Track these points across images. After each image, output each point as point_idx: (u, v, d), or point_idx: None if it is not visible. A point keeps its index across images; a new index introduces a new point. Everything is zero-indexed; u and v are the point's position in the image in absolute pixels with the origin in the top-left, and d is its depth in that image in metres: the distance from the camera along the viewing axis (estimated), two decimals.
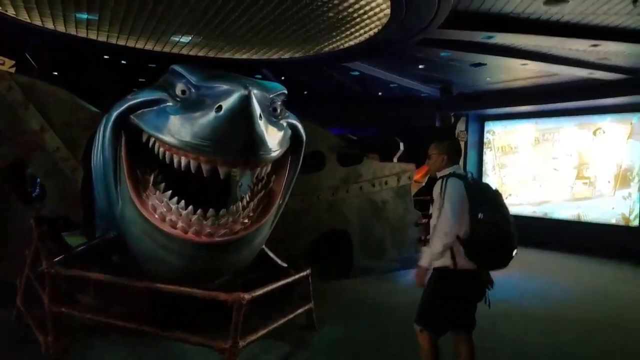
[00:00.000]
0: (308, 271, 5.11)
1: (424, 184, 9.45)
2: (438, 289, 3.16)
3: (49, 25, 6.46)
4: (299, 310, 4.72)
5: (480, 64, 8.15)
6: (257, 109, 3.30)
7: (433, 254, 3.05)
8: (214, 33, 6.54)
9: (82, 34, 6.73)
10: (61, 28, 6.61)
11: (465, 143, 12.38)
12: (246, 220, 3.92)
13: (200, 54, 7.62)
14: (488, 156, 12.49)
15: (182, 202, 3.72)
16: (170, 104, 3.72)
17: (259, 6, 5.47)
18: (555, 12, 5.59)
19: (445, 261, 3.08)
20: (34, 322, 4.07)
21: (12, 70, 7.07)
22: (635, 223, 9.76)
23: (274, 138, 3.76)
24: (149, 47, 7.36)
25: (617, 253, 9.52)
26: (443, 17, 5.44)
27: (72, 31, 6.67)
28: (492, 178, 12.28)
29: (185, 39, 6.80)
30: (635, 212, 9.75)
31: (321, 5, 5.46)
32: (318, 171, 7.38)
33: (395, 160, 9.31)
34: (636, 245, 9.36)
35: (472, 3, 5.41)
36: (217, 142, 3.37)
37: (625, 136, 10.07)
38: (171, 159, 3.66)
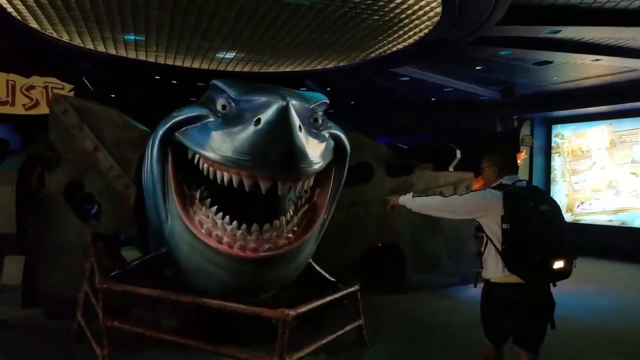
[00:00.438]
0: (357, 286, 4.84)
1: None
2: (484, 298, 3.15)
3: (100, 48, 6.56)
4: (349, 327, 4.53)
5: (545, 62, 7.44)
6: (297, 121, 3.20)
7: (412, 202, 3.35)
8: (257, 47, 6.36)
9: (132, 55, 6.79)
10: (112, 51, 6.69)
11: (531, 148, 11.51)
12: (290, 235, 3.84)
13: (246, 69, 7.48)
14: (557, 162, 11.53)
15: (227, 218, 3.70)
16: (212, 119, 3.74)
17: (299, 15, 5.19)
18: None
19: (488, 272, 3.07)
20: (92, 335, 4.22)
21: (71, 94, 7.31)
22: None
23: (315, 150, 3.64)
24: (196, 65, 7.31)
25: None
26: (502, 12, 4.90)
27: (123, 53, 6.75)
28: (561, 185, 11.33)
29: (230, 54, 6.67)
30: None
31: (365, 8, 5.10)
32: (366, 183, 7.00)
33: (451, 169, 8.71)
34: None
35: None
36: (256, 156, 3.31)
37: None
38: (215, 175, 3.65)
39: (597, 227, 10.48)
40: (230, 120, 3.54)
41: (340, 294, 4.60)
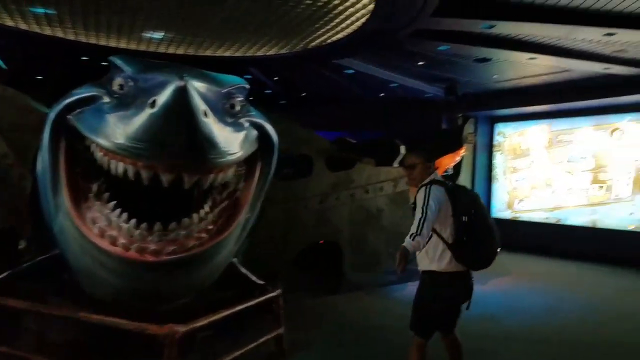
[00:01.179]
0: (278, 291, 4.55)
1: None
2: (427, 291, 3.27)
3: (9, 22, 6.00)
4: (266, 337, 4.21)
5: (484, 59, 7.49)
6: (199, 104, 2.85)
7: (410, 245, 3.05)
8: (184, 26, 6.01)
9: (48, 32, 6.26)
10: (23, 25, 6.14)
11: (474, 146, 11.68)
12: (203, 235, 3.42)
13: (179, 51, 7.11)
14: (498, 159, 11.77)
15: (125, 215, 3.22)
16: (107, 100, 3.32)
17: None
18: None
19: (433, 264, 3.19)
20: None
21: None
22: None
23: (229, 139, 3.30)
24: (123, 45, 6.88)
25: (635, 261, 8.82)
26: (434, 3, 4.81)
27: (37, 29, 6.21)
28: (502, 183, 11.58)
29: (158, 35, 6.30)
30: None
31: None
32: (304, 177, 6.81)
33: (396, 164, 8.66)
34: None
35: None
36: (154, 143, 2.92)
37: None
38: (109, 165, 3.20)
39: (535, 225, 10.77)
40: (127, 102, 3.14)
41: (255, 301, 4.25)
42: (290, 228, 6.57)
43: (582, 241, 9.86)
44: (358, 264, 7.22)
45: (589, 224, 10.00)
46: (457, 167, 10.71)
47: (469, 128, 11.51)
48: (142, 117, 2.88)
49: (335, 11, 5.35)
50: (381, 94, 10.77)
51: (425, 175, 3.28)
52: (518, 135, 11.36)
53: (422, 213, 3.06)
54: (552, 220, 10.61)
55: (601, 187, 9.84)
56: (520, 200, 11.19)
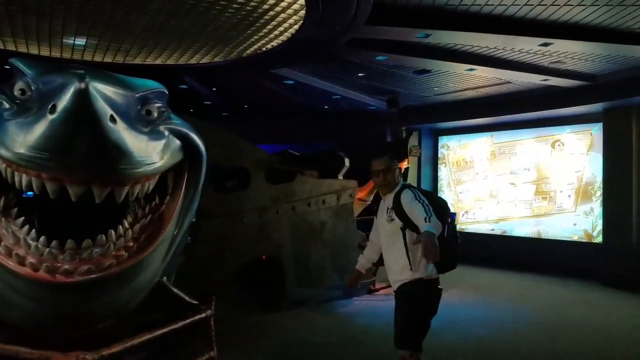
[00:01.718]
0: (209, 312, 4.21)
1: (369, 201, 8.63)
2: (426, 300, 3.17)
3: None
4: None
5: (424, 71, 7.45)
6: (103, 107, 2.60)
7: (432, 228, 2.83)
8: (108, 32, 5.62)
9: None
10: None
11: (419, 158, 11.70)
12: (122, 253, 3.15)
13: (107, 59, 6.67)
14: (443, 172, 11.85)
15: (33, 232, 2.95)
16: (8, 107, 2.98)
17: (159, 2, 4.58)
18: (497, 4, 4.88)
19: (418, 272, 3.11)
20: None
21: None
22: (598, 239, 9.15)
23: (145, 148, 3.02)
24: (45, 52, 6.37)
25: (580, 272, 8.98)
26: (367, 10, 4.65)
27: None
28: (447, 194, 11.62)
29: (80, 41, 5.86)
30: (598, 228, 9.13)
31: (228, 1, 4.62)
32: (242, 190, 6.49)
33: (340, 177, 8.48)
34: (599, 263, 8.73)
35: None
36: (56, 153, 2.65)
37: (585, 148, 9.53)
38: (13, 178, 2.90)
39: (481, 236, 10.84)
40: (29, 107, 2.82)
41: (181, 323, 3.97)
42: (228, 243, 6.21)
43: (527, 252, 9.97)
44: (301, 280, 6.94)
45: (534, 235, 10.14)
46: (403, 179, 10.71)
47: (412, 141, 11.56)
48: (42, 124, 2.61)
49: (266, 17, 5.08)
50: (325, 106, 10.62)
51: (398, 178, 3.31)
52: (461, 147, 11.47)
53: (421, 202, 2.98)
54: (498, 232, 10.71)
55: (544, 198, 10.02)
56: (466, 212, 11.27)
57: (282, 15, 5.10)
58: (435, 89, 8.81)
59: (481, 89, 8.88)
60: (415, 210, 2.95)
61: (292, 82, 7.96)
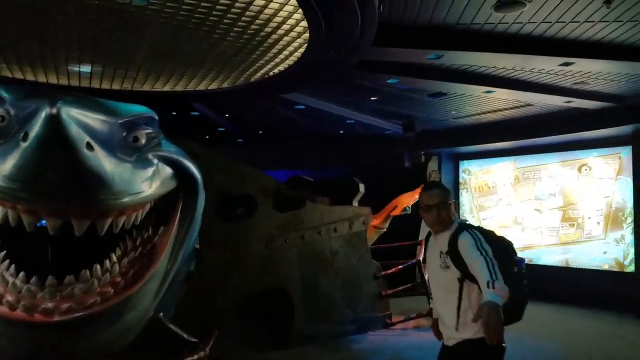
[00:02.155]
0: (201, 354, 3.95)
1: (384, 229, 8.28)
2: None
3: None
4: None
5: (440, 94, 7.16)
6: (78, 134, 2.46)
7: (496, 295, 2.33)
8: (112, 59, 5.56)
9: None
10: None
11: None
12: (108, 289, 2.97)
13: (115, 86, 6.63)
14: (465, 198, 11.40)
15: (12, 267, 2.81)
16: None
17: (145, 20, 4.47)
18: (512, 21, 4.61)
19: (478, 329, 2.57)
20: None
21: None
22: (630, 269, 8.55)
23: (130, 177, 2.89)
24: (52, 80, 6.36)
25: (611, 303, 8.37)
26: (372, 30, 4.42)
27: None
28: (470, 221, 11.10)
29: (86, 68, 5.82)
30: (630, 256, 8.54)
31: (225, 19, 4.47)
32: (248, 218, 6.25)
33: (355, 203, 8.18)
34: (631, 293, 8.13)
35: (406, 12, 4.41)
36: (29, 182, 2.51)
37: (614, 172, 9.01)
38: None
39: None
40: (6, 135, 2.70)
41: None
42: (232, 274, 5.94)
43: (555, 282, 9.40)
44: (310, 313, 6.59)
45: (562, 264, 9.57)
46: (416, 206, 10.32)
47: (432, 165, 11.20)
48: (15, 153, 2.47)
49: (270, 40, 4.89)
50: (340, 131, 10.41)
51: (454, 215, 2.79)
52: (483, 172, 11.04)
53: (484, 254, 2.47)
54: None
55: (572, 225, 9.48)
56: None
57: (286, 38, 4.92)
58: (453, 112, 8.49)
59: (501, 112, 8.52)
60: (477, 266, 2.46)
61: (303, 106, 7.77)
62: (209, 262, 5.65)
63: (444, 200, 2.73)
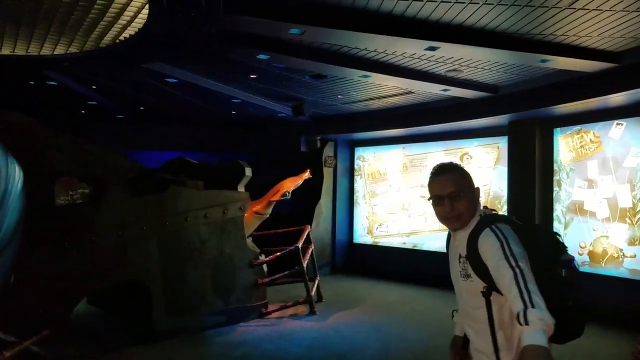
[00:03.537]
0: (2, 354, 3.43)
1: (267, 215, 7.95)
2: None
3: None
4: None
5: (320, 76, 6.91)
6: None
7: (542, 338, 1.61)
8: None
9: None
10: None
11: (335, 170, 11.21)
12: None
13: None
14: (359, 184, 11.40)
15: None
16: None
17: None
18: None
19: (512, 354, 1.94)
20: None
21: None
22: None
23: None
24: None
25: None
26: None
27: None
28: (363, 207, 11.19)
29: None
30: None
31: None
32: (93, 203, 5.60)
33: (241, 188, 7.74)
34: None
35: None
36: None
37: (492, 162, 9.34)
38: None
39: (394, 250, 10.46)
40: None
41: None
42: (73, 268, 5.28)
43: (438, 267, 9.63)
44: (173, 306, 6.12)
45: (442, 250, 9.82)
46: (319, 191, 10.15)
47: (328, 151, 11.05)
48: None
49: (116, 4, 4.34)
50: (232, 112, 9.89)
51: (476, 205, 2.10)
52: (376, 159, 11.07)
53: (512, 264, 1.78)
54: (409, 245, 10.34)
55: None
56: (379, 225, 10.85)
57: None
58: (339, 96, 8.30)
59: (387, 99, 8.47)
60: (503, 283, 1.79)
61: (175, 80, 7.16)
62: (43, 254, 4.99)
63: (460, 187, 2.06)
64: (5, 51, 5.97)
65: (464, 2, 4.39)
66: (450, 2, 4.38)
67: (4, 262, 4.49)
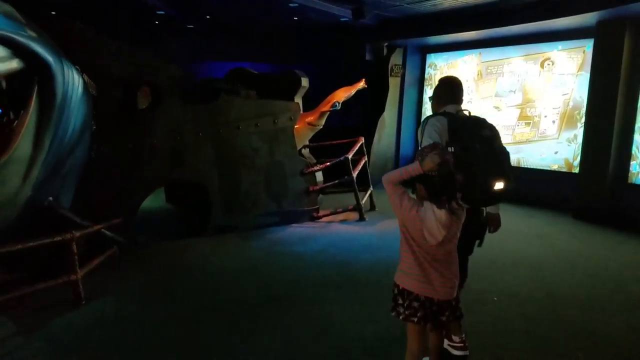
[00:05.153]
0: (68, 235, 4.06)
1: (320, 126, 7.99)
2: None
3: None
4: (55, 282, 4.10)
5: None
6: None
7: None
8: None
9: None
10: None
11: (402, 79, 10.73)
12: None
13: None
14: (429, 94, 10.88)
15: None
16: None
17: None
18: None
19: None
20: None
21: None
22: (577, 169, 8.32)
23: None
24: None
25: (554, 203, 8.33)
26: None
27: None
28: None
29: None
30: (580, 157, 8.27)
31: None
32: (152, 110, 6.01)
33: (298, 99, 7.83)
34: (571, 193, 8.04)
35: None
36: None
37: (576, 68, 8.40)
38: None
39: None
40: None
41: (35, 243, 3.86)
42: (135, 168, 5.84)
43: None
44: (229, 206, 6.60)
45: (513, 163, 9.33)
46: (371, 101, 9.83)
47: (396, 59, 10.53)
48: None
49: None
50: (294, 18, 9.66)
51: (435, 108, 3.37)
52: (449, 67, 10.37)
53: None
54: None
55: (528, 123, 9.07)
56: None
57: None
58: None
59: None
60: None
61: None
62: (107, 155, 5.57)
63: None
64: None
65: None
66: None
67: (75, 158, 5.08)
